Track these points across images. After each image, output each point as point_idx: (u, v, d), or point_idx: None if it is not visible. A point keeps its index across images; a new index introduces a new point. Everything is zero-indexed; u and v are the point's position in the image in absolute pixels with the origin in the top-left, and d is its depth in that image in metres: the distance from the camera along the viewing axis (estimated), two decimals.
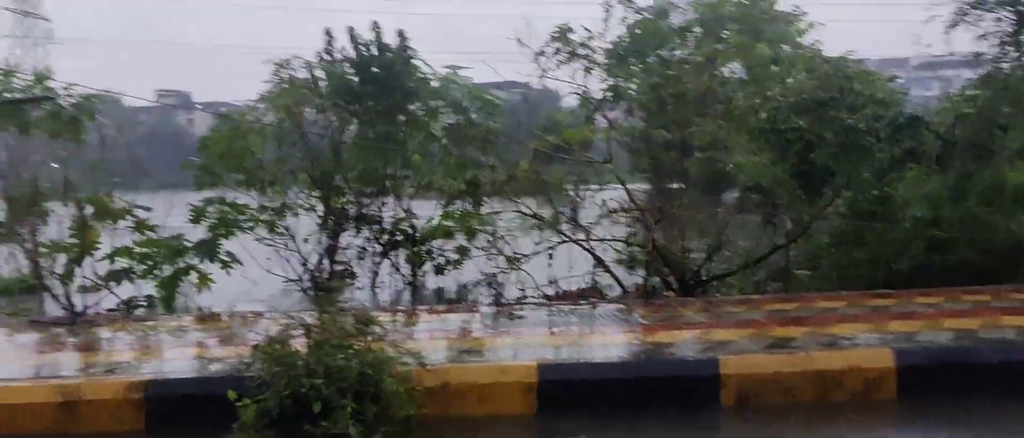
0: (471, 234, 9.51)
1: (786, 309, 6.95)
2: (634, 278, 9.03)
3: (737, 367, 5.06)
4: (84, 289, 8.34)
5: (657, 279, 8.86)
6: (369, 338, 4.77)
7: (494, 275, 8.70)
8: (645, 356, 5.39)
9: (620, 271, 9.01)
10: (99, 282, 8.39)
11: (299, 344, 4.72)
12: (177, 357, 5.65)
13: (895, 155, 9.04)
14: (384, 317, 6.89)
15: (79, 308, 7.86)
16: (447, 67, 9.76)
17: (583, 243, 8.85)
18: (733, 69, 11.12)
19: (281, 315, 5.64)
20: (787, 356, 5.19)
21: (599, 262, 8.94)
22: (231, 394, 4.46)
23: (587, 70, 9.61)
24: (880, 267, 8.60)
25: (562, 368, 5.11)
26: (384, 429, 4.48)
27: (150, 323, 6.84)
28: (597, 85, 9.91)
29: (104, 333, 6.60)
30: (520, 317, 6.76)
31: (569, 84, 9.66)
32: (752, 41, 9.46)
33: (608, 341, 6.00)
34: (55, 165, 8.64)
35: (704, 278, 8.79)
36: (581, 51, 9.47)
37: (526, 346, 5.76)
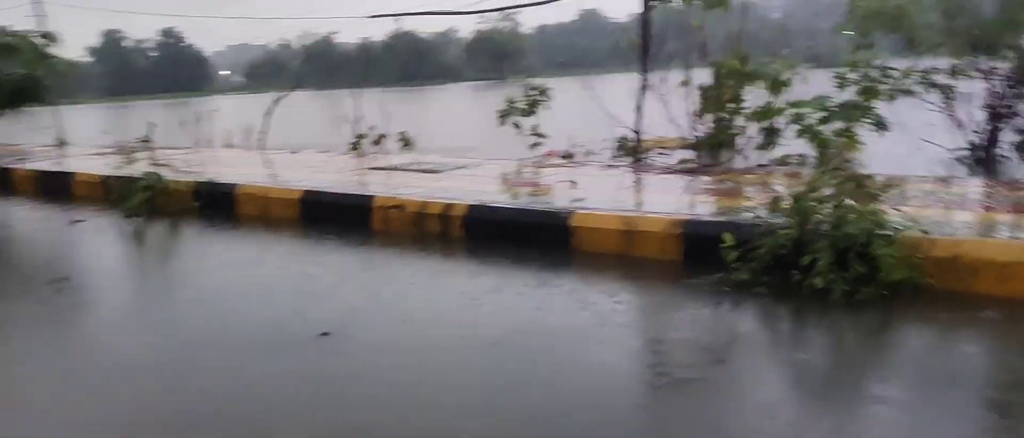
0: None
1: None
2: None
3: None
4: (758, 147, 9.26)
5: None
6: (862, 197, 4.63)
7: None
8: None
9: None
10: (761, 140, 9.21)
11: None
12: (740, 204, 6.15)
13: None
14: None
15: (725, 161, 8.80)
16: None
17: None
18: None
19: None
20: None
21: None
22: (728, 237, 4.90)
23: None
24: None
25: None
26: (867, 290, 4.40)
27: (752, 176, 7.43)
28: None
29: (708, 182, 7.41)
30: None
31: None
32: None
33: None
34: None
35: None
36: None
37: None
